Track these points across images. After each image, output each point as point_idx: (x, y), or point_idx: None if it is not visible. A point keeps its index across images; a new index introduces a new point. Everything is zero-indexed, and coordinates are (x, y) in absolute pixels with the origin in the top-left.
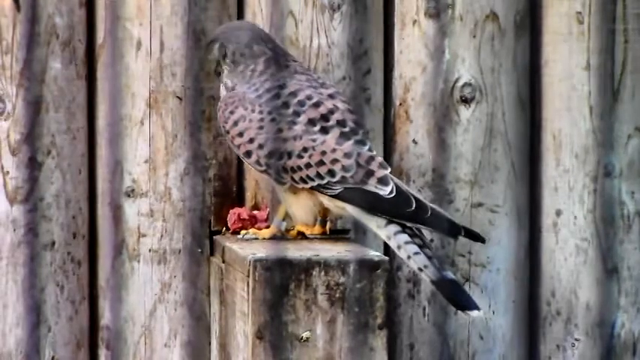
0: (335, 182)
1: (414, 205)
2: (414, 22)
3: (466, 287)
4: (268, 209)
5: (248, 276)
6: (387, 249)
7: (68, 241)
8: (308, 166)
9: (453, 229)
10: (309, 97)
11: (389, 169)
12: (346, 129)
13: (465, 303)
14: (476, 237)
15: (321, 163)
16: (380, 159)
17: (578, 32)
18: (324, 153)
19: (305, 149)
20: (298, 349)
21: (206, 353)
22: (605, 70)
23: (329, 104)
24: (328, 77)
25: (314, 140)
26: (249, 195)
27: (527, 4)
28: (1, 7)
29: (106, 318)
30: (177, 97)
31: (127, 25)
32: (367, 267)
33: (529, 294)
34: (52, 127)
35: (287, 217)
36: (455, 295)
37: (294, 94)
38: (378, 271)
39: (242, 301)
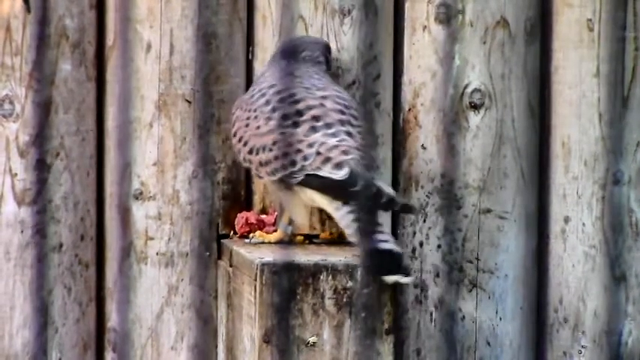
0: (296, 171)
1: (358, 185)
2: (424, 27)
3: (473, 293)
4: (276, 213)
5: (255, 280)
6: None
7: (76, 243)
8: (276, 158)
9: (389, 204)
10: (291, 95)
11: (352, 156)
12: (319, 123)
13: (389, 267)
14: (409, 209)
15: (285, 154)
16: (346, 147)
17: (588, 39)
18: (290, 145)
19: (274, 143)
20: (305, 354)
21: (213, 356)
22: (615, 77)
23: (312, 102)
24: (338, 81)
25: (283, 134)
26: (257, 199)
27: (537, 10)
28: (11, 8)
29: (113, 320)
30: (187, 100)
31: (137, 27)
32: None
33: (537, 301)
34: (61, 129)
35: (293, 221)
36: (380, 261)
37: (278, 92)
38: None
39: (249, 304)
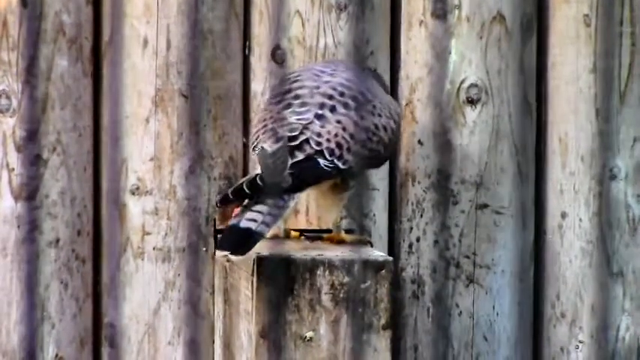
0: (254, 148)
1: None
2: (421, 22)
3: (470, 289)
4: None
5: (252, 275)
6: (391, 250)
7: (73, 238)
8: (256, 133)
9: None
10: (296, 77)
11: (294, 133)
12: (297, 101)
13: (228, 242)
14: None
15: (257, 130)
16: (298, 125)
17: (585, 35)
18: (263, 120)
19: (259, 121)
20: (302, 349)
21: (210, 352)
22: (612, 73)
23: (309, 83)
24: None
25: (264, 111)
26: None
27: (534, 6)
28: (8, 4)
29: (109, 316)
30: (183, 95)
31: (134, 23)
32: (372, 267)
33: (534, 296)
34: (58, 125)
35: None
36: (227, 236)
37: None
38: (383, 271)
39: (246, 300)
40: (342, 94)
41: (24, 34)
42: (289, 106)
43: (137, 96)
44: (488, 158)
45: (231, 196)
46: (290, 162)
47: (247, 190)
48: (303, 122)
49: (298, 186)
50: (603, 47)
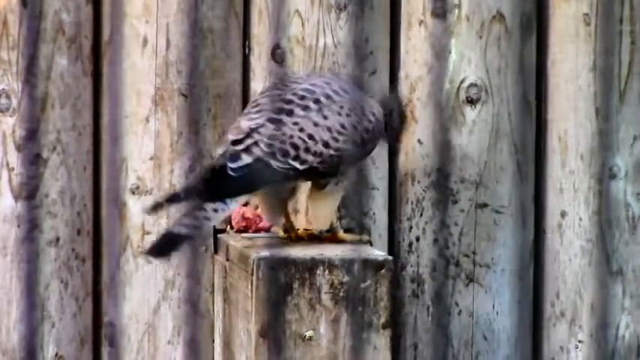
0: None
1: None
2: (421, 22)
3: (470, 288)
4: None
5: (252, 274)
6: (391, 249)
7: (73, 237)
8: None
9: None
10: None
11: (240, 136)
12: (255, 108)
13: (158, 247)
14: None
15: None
16: (246, 129)
17: (584, 33)
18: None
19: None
20: (302, 348)
21: (209, 351)
22: (612, 71)
23: (276, 91)
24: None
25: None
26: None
27: (534, 4)
28: (8, 3)
29: (109, 315)
30: (183, 94)
31: (134, 22)
32: (371, 266)
33: (533, 295)
34: (58, 124)
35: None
36: (158, 241)
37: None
38: (382, 270)
39: (246, 299)
40: (302, 98)
41: (24, 34)
42: (247, 114)
43: (137, 95)
44: (487, 157)
45: (165, 203)
46: (235, 165)
47: (182, 196)
48: (253, 126)
49: (245, 188)
50: (603, 46)
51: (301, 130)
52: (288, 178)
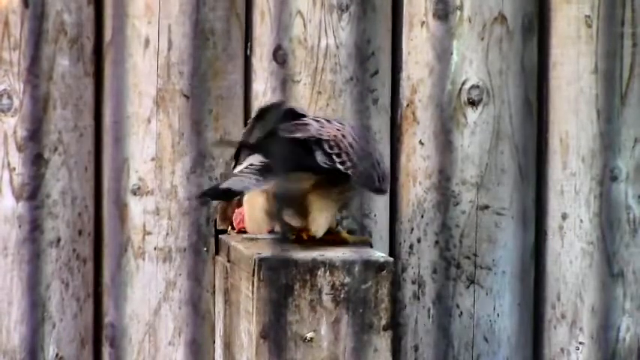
0: None
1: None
2: (422, 23)
3: (471, 289)
4: None
5: (253, 275)
6: (392, 250)
7: (74, 238)
8: None
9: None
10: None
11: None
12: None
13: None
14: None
15: None
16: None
17: (586, 35)
18: None
19: None
20: (302, 349)
21: (210, 352)
22: (613, 73)
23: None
24: (336, 78)
25: None
26: None
27: (535, 6)
28: (9, 3)
29: (110, 315)
30: (185, 95)
31: (135, 23)
32: (372, 268)
33: (534, 297)
34: (59, 125)
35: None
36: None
37: None
38: (384, 272)
39: (247, 300)
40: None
41: (25, 34)
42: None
43: (138, 96)
44: (488, 159)
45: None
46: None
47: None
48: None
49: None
50: (604, 48)
51: (343, 136)
52: (325, 172)
